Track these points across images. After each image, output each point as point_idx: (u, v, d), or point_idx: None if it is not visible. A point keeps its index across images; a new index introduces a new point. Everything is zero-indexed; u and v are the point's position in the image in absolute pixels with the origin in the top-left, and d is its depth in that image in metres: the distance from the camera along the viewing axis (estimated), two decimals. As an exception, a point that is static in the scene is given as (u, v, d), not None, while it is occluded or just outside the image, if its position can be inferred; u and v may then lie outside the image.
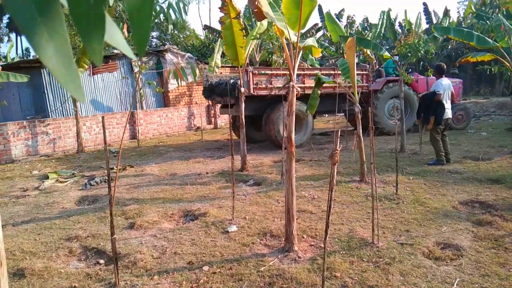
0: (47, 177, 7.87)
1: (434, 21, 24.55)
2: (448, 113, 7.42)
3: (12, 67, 11.79)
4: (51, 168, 8.96)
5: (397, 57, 11.28)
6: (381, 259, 3.62)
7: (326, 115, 15.45)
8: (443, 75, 7.61)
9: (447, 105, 7.38)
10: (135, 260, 3.79)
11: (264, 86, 9.34)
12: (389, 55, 8.17)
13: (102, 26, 0.56)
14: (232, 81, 9.86)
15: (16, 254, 4.06)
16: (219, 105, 12.03)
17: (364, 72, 11.25)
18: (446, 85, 7.41)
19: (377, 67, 12.97)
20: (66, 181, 7.52)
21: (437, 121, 7.26)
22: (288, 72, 9.27)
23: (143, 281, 3.40)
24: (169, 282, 3.37)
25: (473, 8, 13.44)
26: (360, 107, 6.54)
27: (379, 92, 11.40)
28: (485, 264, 3.46)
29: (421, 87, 11.62)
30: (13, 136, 10.58)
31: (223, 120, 17.01)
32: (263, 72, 9.29)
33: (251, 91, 8.97)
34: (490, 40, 8.03)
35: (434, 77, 8.27)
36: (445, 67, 7.81)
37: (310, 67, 12.35)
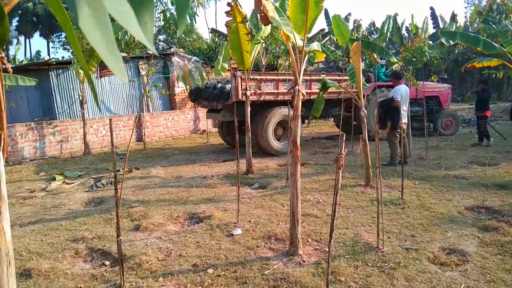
0: (54, 179, 7.93)
1: (441, 26, 24.47)
2: (404, 118, 7.71)
3: (21, 69, 11.92)
4: (58, 170, 9.03)
5: (384, 61, 11.28)
6: (386, 264, 3.62)
7: (332, 119, 15.42)
8: (401, 81, 7.96)
9: (405, 110, 7.70)
10: (140, 262, 3.82)
11: (253, 91, 8.95)
12: (396, 59, 8.17)
13: (152, 5, 0.65)
14: (220, 85, 9.65)
15: (23, 254, 4.10)
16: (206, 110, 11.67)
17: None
18: (404, 92, 7.68)
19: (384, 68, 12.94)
20: (73, 183, 7.58)
21: (394, 126, 7.60)
22: (277, 78, 8.90)
23: (148, 283, 3.42)
24: (174, 284, 3.39)
25: (477, 12, 13.40)
26: (365, 112, 6.52)
27: (368, 97, 11.23)
28: (491, 270, 3.44)
29: (411, 93, 11.56)
30: (21, 137, 10.69)
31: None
32: (252, 77, 8.93)
33: (239, 97, 8.64)
34: (496, 45, 8.00)
35: (428, 83, 8.34)
36: (401, 74, 8.36)
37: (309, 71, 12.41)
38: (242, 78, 8.52)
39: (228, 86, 9.12)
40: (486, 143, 9.83)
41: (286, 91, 9.37)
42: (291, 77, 9.41)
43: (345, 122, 12.71)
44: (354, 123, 12.09)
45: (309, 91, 9.85)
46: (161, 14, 6.31)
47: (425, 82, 10.78)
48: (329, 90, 8.83)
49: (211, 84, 10.02)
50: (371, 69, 19.95)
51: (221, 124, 11.29)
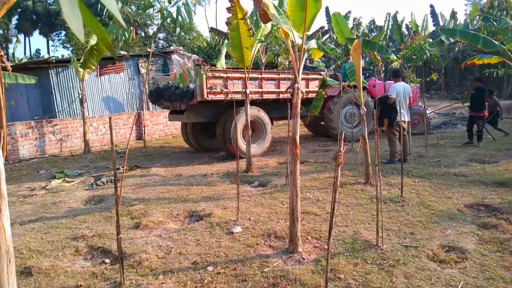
0: (54, 177, 7.95)
1: (441, 24, 24.46)
2: (404, 116, 7.66)
3: (21, 67, 11.92)
4: (58, 168, 9.04)
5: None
6: (385, 261, 3.62)
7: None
8: (399, 79, 7.91)
9: (404, 108, 7.65)
10: (140, 259, 3.83)
11: (219, 90, 8.50)
12: (395, 57, 8.17)
13: None
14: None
15: (24, 252, 4.11)
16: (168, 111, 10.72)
17: (321, 77, 10.46)
18: (400, 89, 7.65)
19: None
20: (73, 181, 7.59)
21: (391, 124, 7.57)
22: (245, 76, 8.20)
23: (148, 281, 3.43)
24: (174, 282, 3.40)
25: (478, 9, 13.37)
26: (365, 110, 6.52)
27: (335, 97, 11.03)
28: (490, 267, 3.45)
29: (379, 92, 11.05)
30: (20, 136, 10.69)
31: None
32: (218, 74, 8.51)
33: (204, 96, 8.18)
34: (496, 42, 8.00)
35: (392, 81, 8.27)
36: (400, 72, 8.07)
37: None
38: (208, 76, 8.11)
39: (192, 85, 8.53)
40: (477, 143, 9.68)
41: (255, 90, 9.05)
42: (259, 76, 9.21)
43: (314, 123, 12.55)
44: (322, 123, 11.90)
45: (278, 90, 9.60)
46: (159, 13, 6.32)
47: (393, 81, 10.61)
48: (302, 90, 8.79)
49: (173, 83, 9.43)
50: (371, 67, 19.96)
51: (185, 126, 10.51)
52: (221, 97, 8.58)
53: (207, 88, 8.17)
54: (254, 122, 9.21)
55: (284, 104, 9.52)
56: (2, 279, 1.84)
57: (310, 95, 9.94)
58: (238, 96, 8.64)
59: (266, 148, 9.66)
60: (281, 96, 9.55)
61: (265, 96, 9.31)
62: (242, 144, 8.86)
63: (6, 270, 1.85)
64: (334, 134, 10.92)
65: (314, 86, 10.32)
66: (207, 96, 8.23)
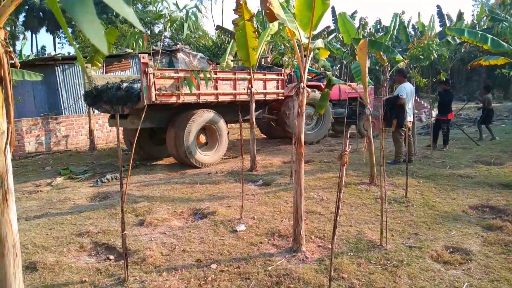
0: (60, 173, 8.00)
1: (448, 24, 24.31)
2: (410, 116, 7.70)
3: (27, 64, 12.00)
4: (63, 165, 9.09)
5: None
6: (389, 262, 3.62)
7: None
8: (406, 79, 7.88)
9: (410, 108, 7.69)
10: (144, 256, 3.85)
11: (169, 92, 7.46)
12: (402, 57, 8.14)
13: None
14: (125, 84, 7.89)
15: (29, 248, 4.14)
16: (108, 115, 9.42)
17: (280, 77, 9.91)
18: (409, 90, 7.64)
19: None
20: (78, 178, 7.63)
21: (399, 124, 7.52)
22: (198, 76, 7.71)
23: (152, 277, 3.44)
24: (178, 279, 3.41)
25: (486, 10, 13.26)
26: (370, 110, 6.50)
27: (291, 98, 10.04)
28: (494, 269, 3.43)
29: (333, 94, 11.00)
30: (26, 132, 10.77)
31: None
32: (167, 74, 7.49)
33: (152, 99, 7.11)
34: (504, 43, 7.94)
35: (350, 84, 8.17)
36: (406, 72, 8.18)
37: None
38: (156, 76, 7.13)
39: (136, 86, 7.56)
40: (442, 147, 9.50)
41: (210, 91, 8.25)
42: (214, 75, 8.35)
43: (267, 125, 12.25)
44: (274, 125, 11.56)
45: (235, 91, 8.76)
46: (168, 20, 6.32)
47: (348, 83, 10.29)
48: (255, 91, 8.32)
49: (114, 84, 8.19)
50: (376, 67, 19.87)
51: (128, 133, 9.32)
52: (172, 99, 7.59)
53: (155, 90, 7.18)
54: (208, 128, 8.49)
55: (241, 106, 9.06)
56: (8, 273, 1.86)
57: (268, 97, 9.50)
58: (192, 99, 7.92)
59: (223, 155, 8.86)
60: (237, 98, 8.61)
61: (221, 98, 8.51)
62: (199, 154, 8.18)
63: (12, 264, 1.87)
64: (291, 134, 10.24)
65: (272, 87, 9.68)
66: (156, 99, 7.20)
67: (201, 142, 8.42)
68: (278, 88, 9.85)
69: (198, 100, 8.08)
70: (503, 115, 17.66)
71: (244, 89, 8.50)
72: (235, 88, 8.68)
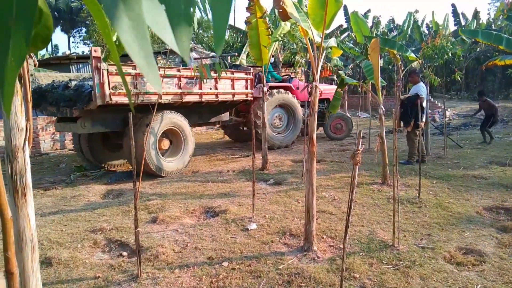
0: (74, 171, 8.11)
1: (463, 23, 23.98)
2: (423, 117, 7.70)
3: (43, 63, 12.19)
4: (78, 163, 9.21)
5: (273, 58, 10.24)
6: (401, 262, 3.60)
7: (217, 126, 13.30)
8: (419, 79, 7.94)
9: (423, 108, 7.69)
10: (157, 253, 3.89)
11: (124, 91, 6.41)
12: (415, 56, 8.05)
13: (190, 23, 0.66)
14: (74, 82, 6.93)
15: (44, 243, 4.22)
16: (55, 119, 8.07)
17: (248, 76, 9.15)
18: (424, 90, 7.72)
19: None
20: (92, 175, 7.73)
21: (416, 124, 7.37)
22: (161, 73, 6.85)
23: (164, 274, 3.48)
24: (189, 276, 3.45)
25: (501, 10, 13.02)
26: (383, 109, 6.45)
27: (261, 99, 8.77)
28: (509, 271, 3.39)
29: (302, 95, 10.56)
30: (42, 130, 10.94)
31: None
32: (126, 71, 6.64)
33: (107, 98, 6.19)
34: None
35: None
36: (418, 72, 8.43)
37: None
38: (110, 73, 6.26)
39: (87, 84, 6.64)
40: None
41: (173, 91, 7.31)
42: (177, 73, 7.49)
43: (234, 129, 11.53)
44: (245, 128, 11.10)
45: (200, 91, 7.89)
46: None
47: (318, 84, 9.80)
48: (222, 91, 8.15)
49: (61, 83, 7.17)
50: (389, 66, 19.69)
51: (78, 139, 8.04)
52: (132, 100, 6.66)
53: (109, 88, 6.27)
54: (172, 131, 7.64)
55: (207, 107, 8.55)
56: (27, 266, 1.90)
57: (237, 97, 8.82)
58: (153, 98, 6.85)
59: (188, 161, 7.95)
60: (203, 98, 7.91)
61: (186, 99, 7.56)
62: (159, 159, 7.26)
63: (30, 258, 1.92)
64: (261, 136, 8.58)
65: (240, 86, 8.89)
66: (110, 99, 6.25)
67: (163, 148, 7.56)
68: (247, 88, 9.09)
69: (160, 101, 7.01)
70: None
71: (211, 88, 7.98)
72: (201, 88, 7.87)
